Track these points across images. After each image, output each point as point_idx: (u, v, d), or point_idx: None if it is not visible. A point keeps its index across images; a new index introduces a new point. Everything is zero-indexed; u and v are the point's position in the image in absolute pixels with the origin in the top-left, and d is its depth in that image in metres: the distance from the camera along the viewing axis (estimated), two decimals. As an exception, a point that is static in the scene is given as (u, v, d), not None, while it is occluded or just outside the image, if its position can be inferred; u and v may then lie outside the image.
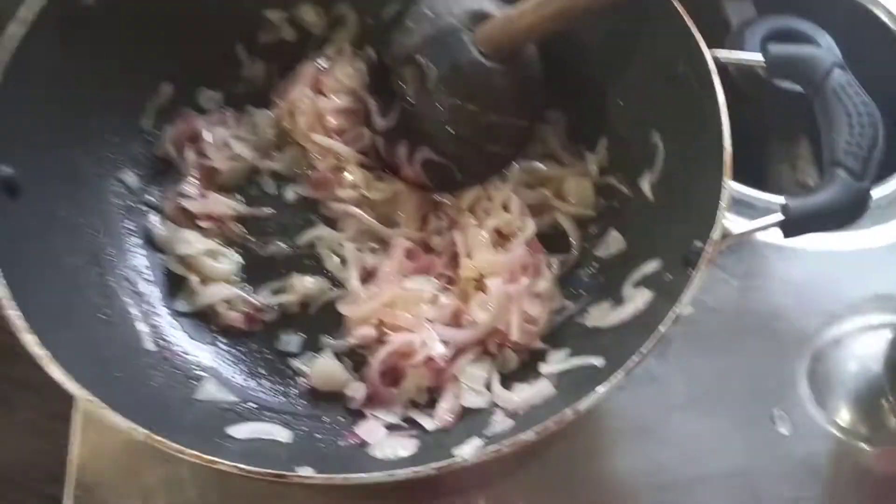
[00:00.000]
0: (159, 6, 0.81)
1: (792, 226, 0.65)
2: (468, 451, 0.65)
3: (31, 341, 0.60)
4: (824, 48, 0.97)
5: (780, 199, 0.88)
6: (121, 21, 0.78)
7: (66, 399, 0.77)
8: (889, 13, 1.05)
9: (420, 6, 0.79)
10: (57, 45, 0.74)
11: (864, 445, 0.79)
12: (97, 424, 0.76)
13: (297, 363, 0.78)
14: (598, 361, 0.70)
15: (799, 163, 0.99)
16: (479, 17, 0.77)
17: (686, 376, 0.80)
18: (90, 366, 0.64)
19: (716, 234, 0.63)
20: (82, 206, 0.77)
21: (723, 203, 0.64)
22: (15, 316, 0.60)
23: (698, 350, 0.82)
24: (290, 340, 0.80)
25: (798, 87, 0.74)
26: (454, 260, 0.81)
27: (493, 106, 0.78)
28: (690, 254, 0.65)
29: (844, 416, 0.80)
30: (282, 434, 0.71)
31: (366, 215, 0.83)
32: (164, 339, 0.77)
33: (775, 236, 0.84)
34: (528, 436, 0.58)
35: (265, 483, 0.58)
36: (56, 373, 0.59)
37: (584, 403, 0.58)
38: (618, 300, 0.75)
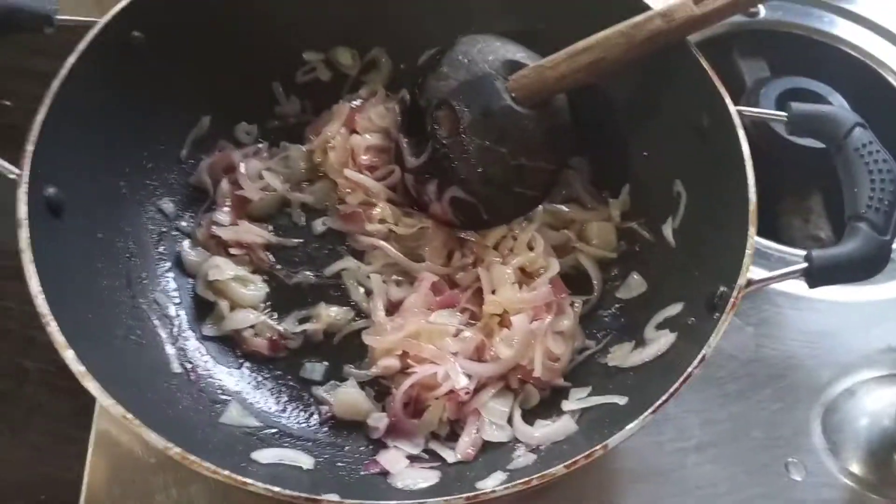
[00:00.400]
0: (204, 43, 0.85)
1: (815, 275, 0.66)
2: (493, 483, 0.66)
3: (70, 357, 0.61)
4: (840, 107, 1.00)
5: (794, 251, 0.92)
6: (167, 56, 0.82)
7: (77, 422, 0.78)
8: (898, 76, 1.10)
9: (456, 53, 0.82)
10: (106, 75, 0.77)
11: (875, 497, 0.79)
12: (110, 447, 0.76)
13: (320, 391, 0.79)
14: (620, 400, 0.72)
15: (811, 216, 1.01)
16: (513, 66, 0.81)
17: (701, 419, 0.81)
18: (123, 385, 0.64)
19: (742, 279, 0.65)
20: (120, 229, 0.80)
21: (748, 251, 0.66)
22: (55, 331, 0.61)
23: (714, 394, 0.83)
24: (314, 369, 0.81)
25: (813, 143, 0.77)
26: (478, 296, 0.82)
27: (522, 150, 0.80)
28: (716, 298, 0.68)
29: (857, 466, 0.80)
30: (304, 460, 0.72)
31: (393, 249, 0.85)
32: (191, 363, 0.78)
33: (791, 286, 0.87)
34: (558, 470, 0.59)
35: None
36: (94, 389, 0.60)
37: (614, 440, 0.59)
38: (640, 341, 0.77)
